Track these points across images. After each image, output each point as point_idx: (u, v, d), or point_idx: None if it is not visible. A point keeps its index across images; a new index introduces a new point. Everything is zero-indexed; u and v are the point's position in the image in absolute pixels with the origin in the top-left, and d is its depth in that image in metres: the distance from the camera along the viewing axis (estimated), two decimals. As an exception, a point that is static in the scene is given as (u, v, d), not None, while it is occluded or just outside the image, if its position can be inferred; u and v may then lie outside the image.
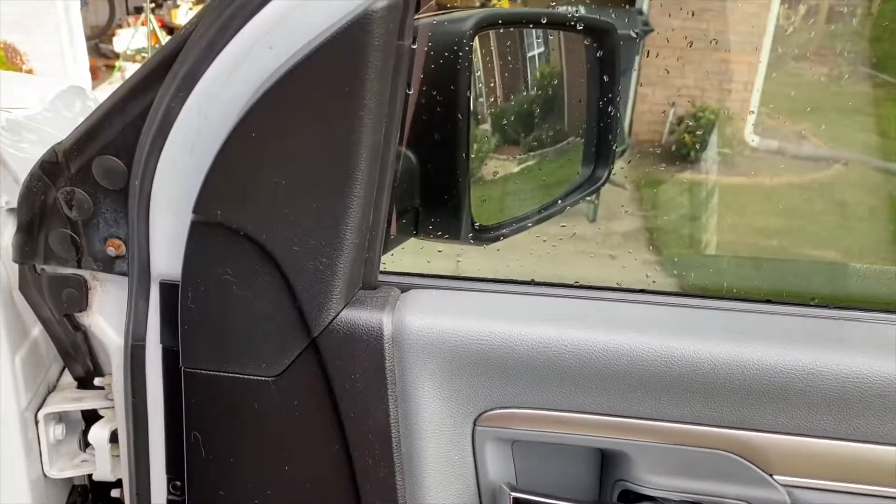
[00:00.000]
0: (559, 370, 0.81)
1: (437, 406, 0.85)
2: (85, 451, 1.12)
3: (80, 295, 0.96)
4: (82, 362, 1.09)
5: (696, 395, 0.79)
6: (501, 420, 0.85)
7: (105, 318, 0.98)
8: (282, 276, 0.81)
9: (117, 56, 7.34)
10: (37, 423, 1.05)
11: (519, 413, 0.84)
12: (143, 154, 0.84)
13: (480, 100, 1.06)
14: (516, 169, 1.15)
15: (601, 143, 1.22)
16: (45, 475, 1.07)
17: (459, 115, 0.95)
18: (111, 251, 0.91)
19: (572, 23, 1.09)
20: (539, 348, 0.81)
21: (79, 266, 0.94)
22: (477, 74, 1.02)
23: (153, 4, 7.81)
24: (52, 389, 1.12)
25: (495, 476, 0.90)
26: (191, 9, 7.93)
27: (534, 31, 1.14)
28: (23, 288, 0.98)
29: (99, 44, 7.37)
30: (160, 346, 0.91)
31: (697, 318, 0.86)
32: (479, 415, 0.85)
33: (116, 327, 0.98)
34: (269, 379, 0.85)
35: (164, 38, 7.55)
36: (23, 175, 0.92)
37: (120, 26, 7.68)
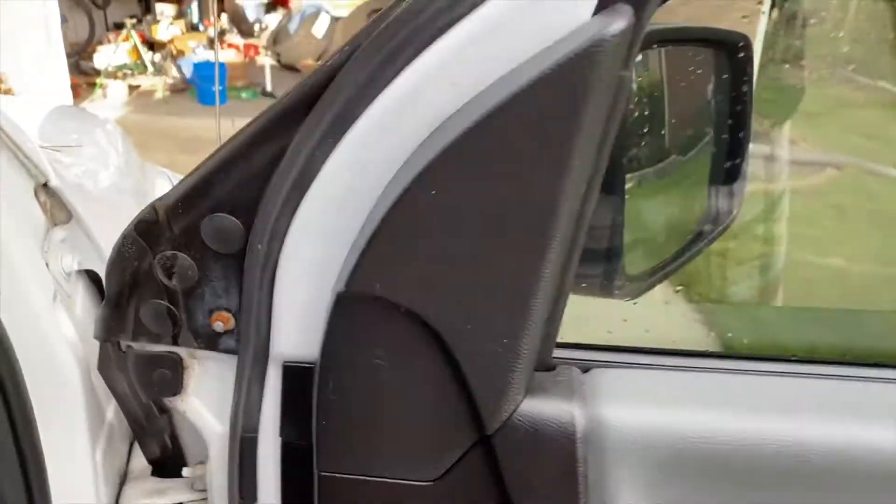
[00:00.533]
0: (799, 471, 0.66)
1: None
2: (166, 551, 0.96)
3: (173, 377, 0.80)
4: (161, 444, 0.93)
5: None
6: None
7: (202, 402, 0.82)
8: (449, 361, 0.66)
9: (98, 73, 7.09)
10: (114, 523, 0.89)
11: None
12: (271, 212, 0.68)
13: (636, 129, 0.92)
14: (657, 207, 1.02)
15: (732, 172, 1.09)
16: (122, 583, 0.91)
17: (615, 149, 0.81)
18: (218, 326, 0.76)
19: (729, 39, 0.96)
20: (780, 446, 0.66)
21: (174, 343, 0.78)
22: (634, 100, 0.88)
23: (134, 20, 7.57)
24: (123, 477, 0.95)
25: None
26: (171, 23, 7.70)
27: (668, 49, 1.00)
28: (103, 368, 0.82)
29: (79, 61, 7.11)
30: (278, 439, 0.75)
31: None
32: None
33: (216, 412, 0.82)
34: (426, 484, 0.70)
35: (146, 54, 7.34)
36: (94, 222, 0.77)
37: (100, 42, 7.42)
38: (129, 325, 0.77)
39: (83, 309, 0.85)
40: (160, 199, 0.72)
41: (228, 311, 0.75)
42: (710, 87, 1.08)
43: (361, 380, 0.68)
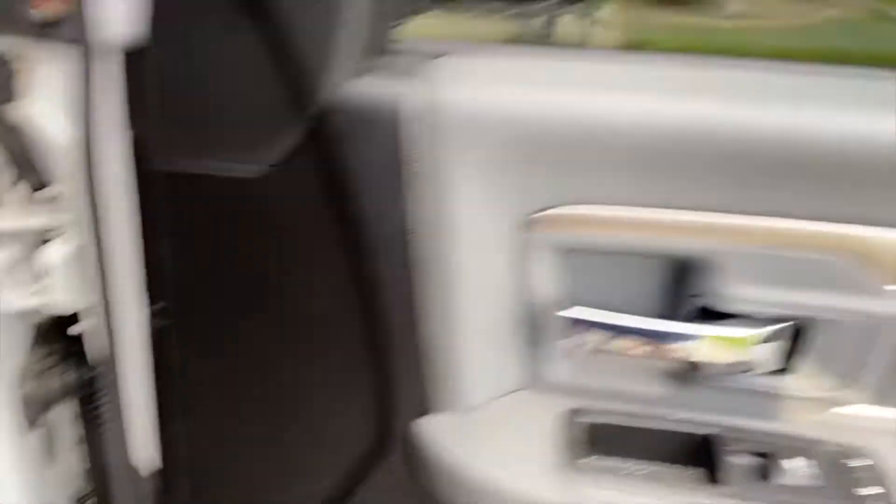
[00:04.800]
0: (636, 152, 0.62)
1: (478, 204, 0.67)
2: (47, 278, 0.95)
3: (2, 80, 0.75)
4: (19, 164, 0.89)
5: (810, 182, 0.62)
6: (558, 223, 0.67)
7: (50, 109, 0.77)
8: (274, 31, 0.61)
9: None
10: (-17, 242, 0.86)
11: (580, 213, 0.66)
12: None
13: None
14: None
15: None
16: (-4, 309, 0.90)
17: None
18: (36, 14, 0.69)
19: None
20: (616, 125, 0.62)
21: None
22: None
23: None
24: (-5, 203, 0.92)
25: (545, 291, 0.73)
26: None
27: None
28: None
29: None
30: (130, 135, 0.71)
31: (819, 85, 0.67)
32: (532, 216, 0.68)
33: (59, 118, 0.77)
34: (259, 171, 0.66)
35: None
36: None
37: None
38: None
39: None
40: None
41: None
42: None
43: (187, 58, 0.63)
